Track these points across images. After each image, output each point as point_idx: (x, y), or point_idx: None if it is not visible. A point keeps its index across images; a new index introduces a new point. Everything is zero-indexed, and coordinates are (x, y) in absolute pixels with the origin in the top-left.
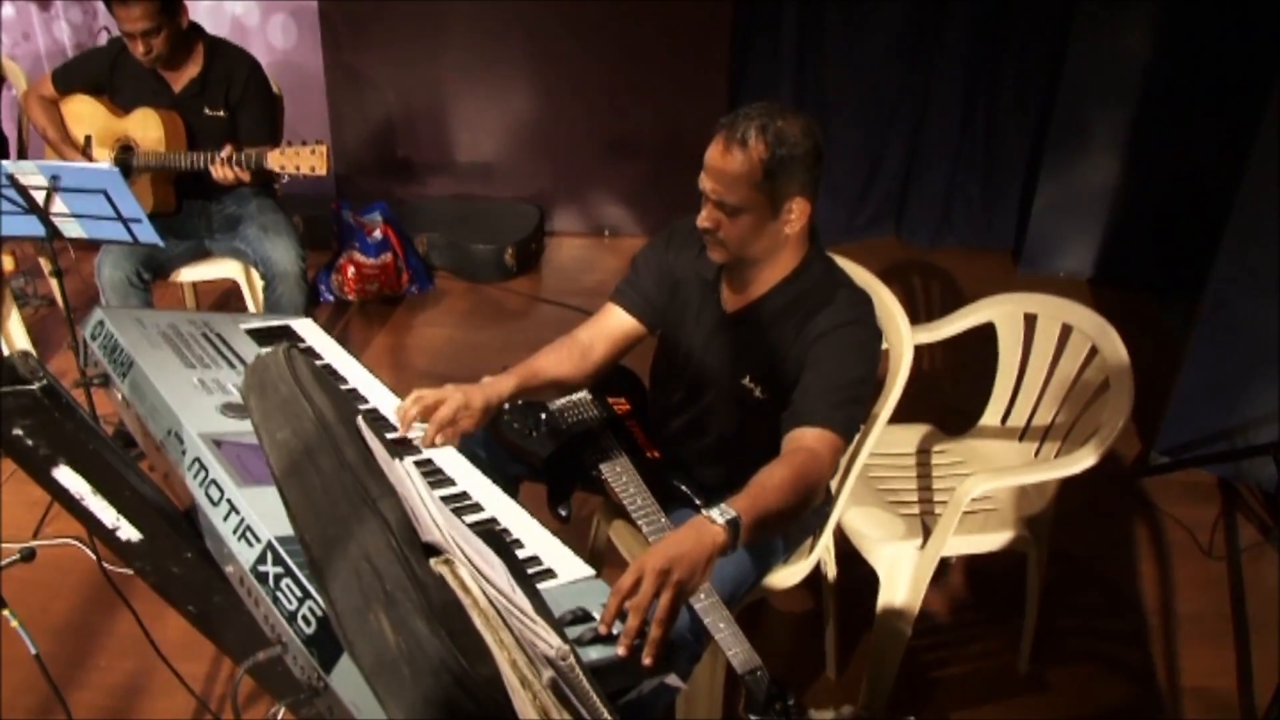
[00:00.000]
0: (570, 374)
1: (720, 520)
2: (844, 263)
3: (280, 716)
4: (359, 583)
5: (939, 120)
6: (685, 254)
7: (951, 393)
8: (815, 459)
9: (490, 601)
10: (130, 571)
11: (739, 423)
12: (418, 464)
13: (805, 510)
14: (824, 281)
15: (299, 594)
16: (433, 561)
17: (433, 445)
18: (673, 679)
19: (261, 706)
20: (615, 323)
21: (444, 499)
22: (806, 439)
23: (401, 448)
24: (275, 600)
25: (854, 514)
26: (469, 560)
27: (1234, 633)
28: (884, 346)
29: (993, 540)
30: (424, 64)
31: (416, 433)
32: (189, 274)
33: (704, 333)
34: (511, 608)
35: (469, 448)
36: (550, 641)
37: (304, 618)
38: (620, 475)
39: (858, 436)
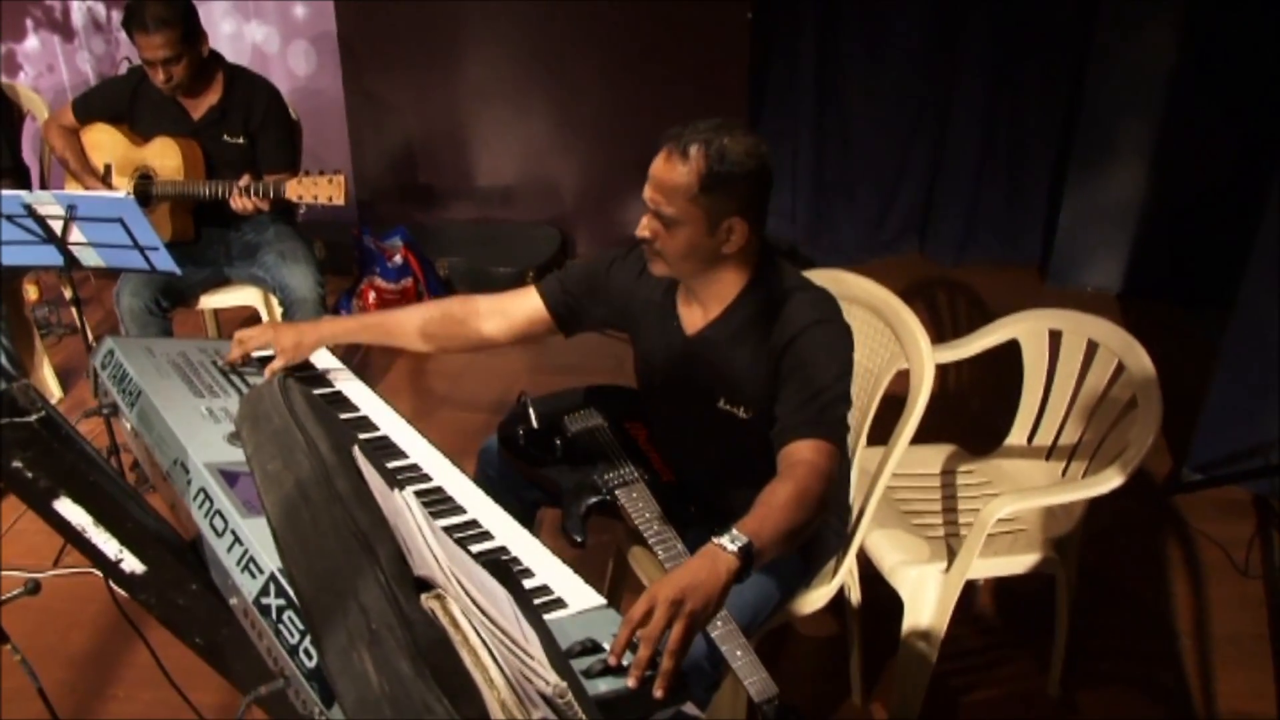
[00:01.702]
0: (438, 329)
1: (732, 547)
2: (864, 282)
3: None
4: (345, 620)
5: (961, 136)
6: (635, 283)
7: (976, 411)
8: (814, 470)
9: (482, 639)
10: None
11: (733, 447)
12: (427, 491)
13: (814, 523)
14: (778, 291)
15: (301, 627)
16: (423, 597)
17: (234, 362)
18: (690, 708)
19: None
20: (524, 303)
21: (452, 527)
22: (802, 452)
23: (413, 475)
24: (278, 633)
25: (877, 536)
26: (466, 593)
27: (1272, 654)
28: (902, 366)
29: (1020, 562)
30: (443, 89)
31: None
32: (208, 301)
33: (671, 361)
34: (507, 644)
35: (485, 473)
36: (547, 678)
37: (305, 651)
38: (636, 501)
39: (880, 458)
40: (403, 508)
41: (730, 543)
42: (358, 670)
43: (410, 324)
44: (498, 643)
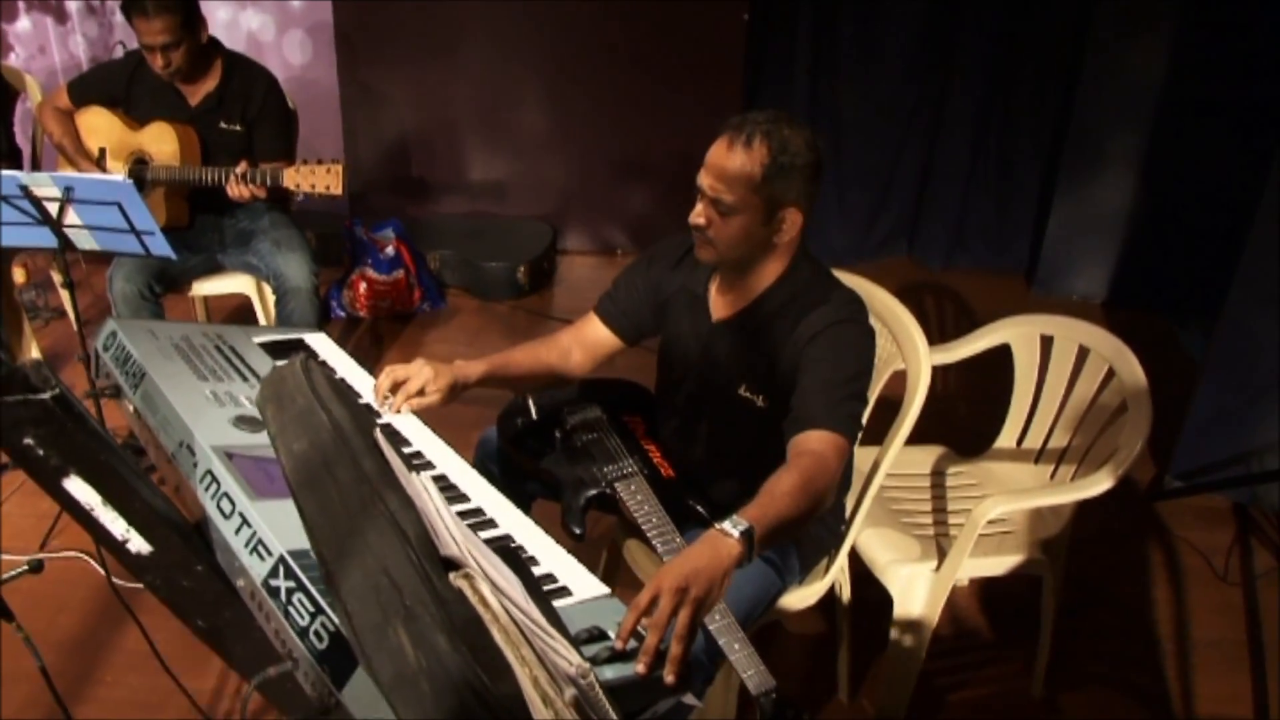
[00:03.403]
0: (543, 372)
1: (734, 532)
2: (862, 282)
3: None
4: (377, 596)
5: (952, 142)
6: (671, 272)
7: (967, 415)
8: (821, 462)
9: (511, 618)
10: (138, 586)
11: (746, 436)
12: (434, 479)
13: (816, 514)
14: (813, 284)
15: (311, 609)
16: (452, 576)
17: (398, 412)
18: (688, 698)
19: None
20: (592, 331)
21: (458, 515)
22: (810, 443)
23: (417, 462)
24: (287, 615)
25: (869, 535)
26: (487, 575)
27: (1249, 659)
28: (900, 367)
29: (1008, 563)
30: (438, 82)
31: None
32: (201, 288)
33: (697, 346)
34: (532, 624)
35: (484, 465)
36: (570, 659)
37: (316, 633)
38: (635, 494)
39: (874, 458)
40: (421, 490)
41: (732, 528)
42: (393, 646)
43: (523, 367)
44: (525, 622)
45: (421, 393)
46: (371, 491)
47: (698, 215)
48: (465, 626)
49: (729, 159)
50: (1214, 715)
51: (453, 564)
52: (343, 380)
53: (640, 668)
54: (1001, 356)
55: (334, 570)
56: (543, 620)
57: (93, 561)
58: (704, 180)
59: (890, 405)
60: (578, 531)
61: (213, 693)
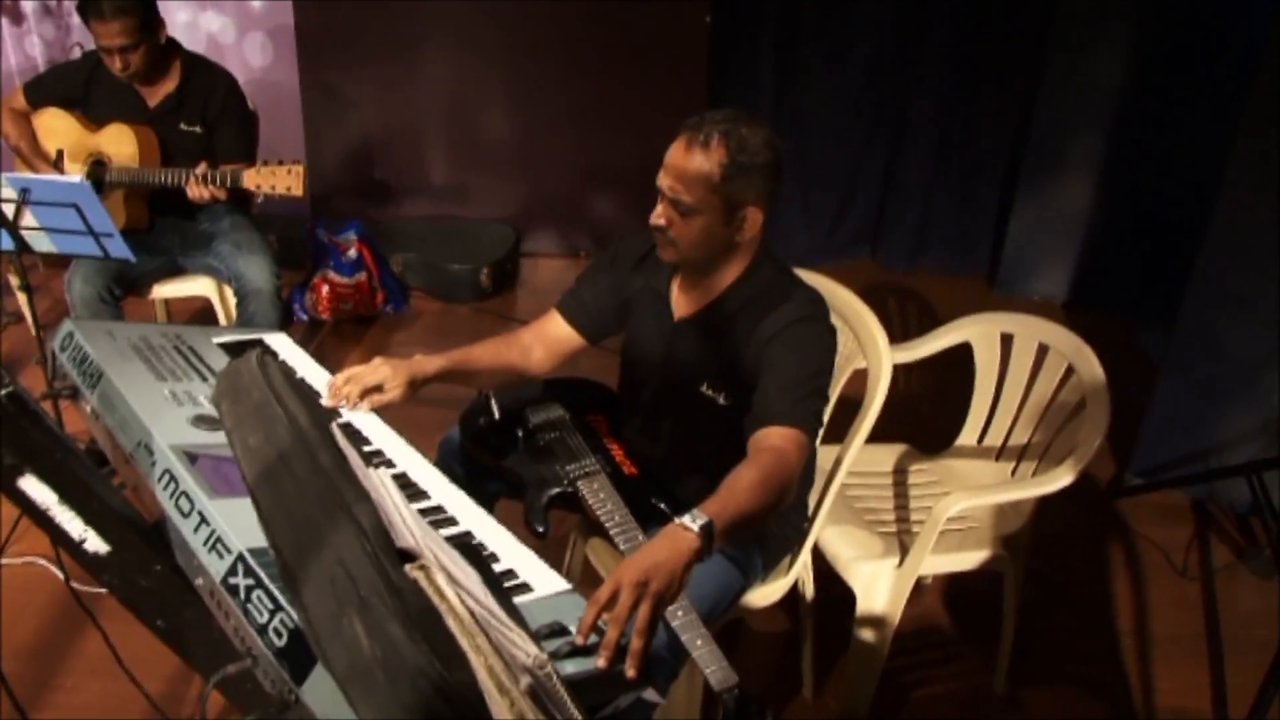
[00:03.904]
0: (504, 369)
1: (694, 526)
2: (824, 281)
3: None
4: (333, 588)
5: (915, 144)
6: (633, 271)
7: (928, 413)
8: (782, 457)
9: (467, 609)
10: (97, 590)
11: (709, 434)
12: (394, 476)
13: (777, 509)
14: (774, 283)
15: (270, 606)
16: (408, 567)
17: (354, 407)
18: (650, 694)
19: None
20: (555, 329)
21: (419, 512)
22: (771, 438)
23: (377, 460)
24: (246, 612)
25: (831, 533)
26: (444, 568)
27: (1208, 653)
28: (861, 365)
29: (970, 559)
30: (401, 84)
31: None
32: (161, 291)
33: (660, 345)
34: (489, 616)
35: (446, 464)
36: (527, 650)
37: (275, 630)
38: (598, 493)
39: (835, 456)
40: (378, 484)
41: (692, 521)
42: (348, 636)
43: (484, 362)
44: (481, 614)
45: (380, 389)
46: (328, 484)
47: (658, 216)
48: (420, 616)
49: (687, 160)
50: (1173, 707)
51: (409, 556)
52: (301, 379)
53: (601, 662)
54: (962, 355)
55: (290, 563)
56: (500, 612)
57: (50, 565)
58: (663, 181)
59: (852, 404)
60: (541, 530)
61: (173, 696)
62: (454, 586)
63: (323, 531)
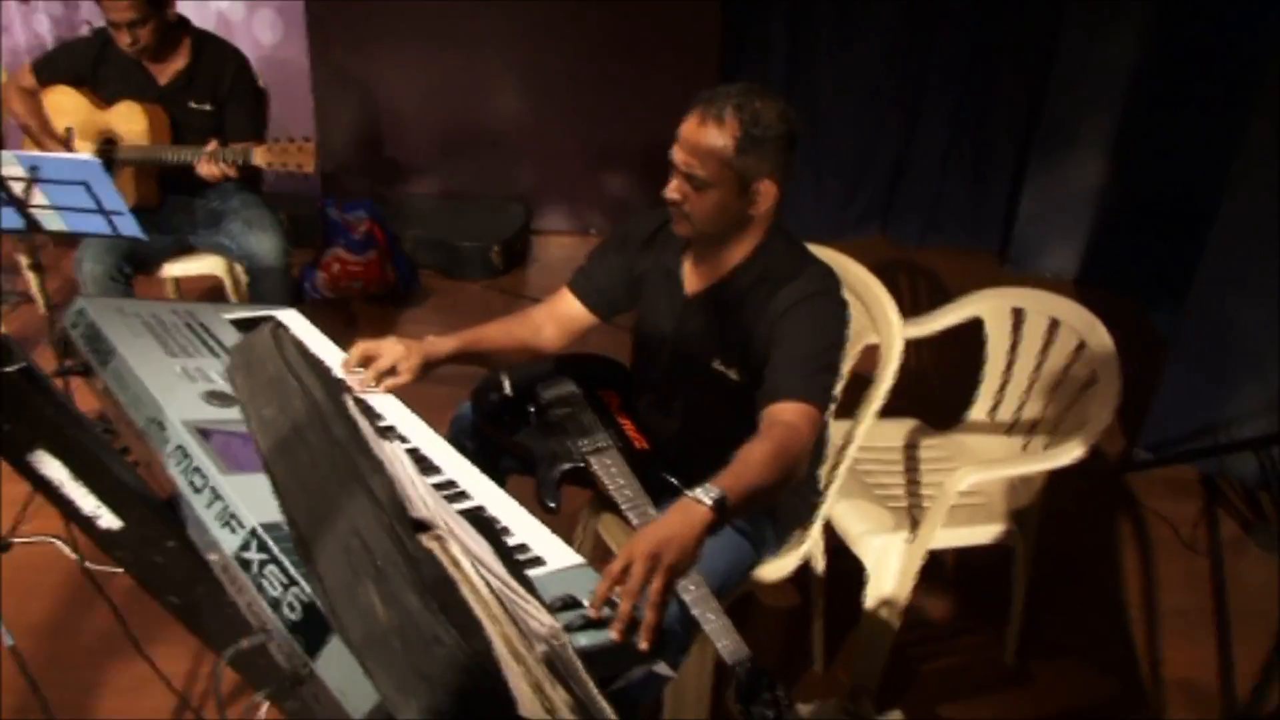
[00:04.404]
0: (516, 348)
1: (706, 499)
2: (835, 256)
3: (264, 713)
4: (348, 557)
5: (928, 122)
6: (645, 247)
7: (940, 389)
8: (794, 432)
9: (482, 578)
10: (109, 570)
11: (721, 410)
12: (407, 453)
13: (788, 484)
14: (787, 258)
15: (284, 580)
16: (423, 538)
17: (369, 389)
18: (662, 668)
19: (240, 706)
20: (566, 307)
21: (432, 487)
22: (783, 413)
23: (388, 435)
24: (259, 587)
25: (843, 507)
26: (458, 538)
27: (1215, 626)
28: (873, 341)
29: (981, 533)
30: (411, 61)
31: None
32: (171, 270)
33: (672, 321)
34: (503, 586)
35: (457, 440)
36: (542, 620)
37: (289, 604)
38: (610, 468)
39: (847, 431)
40: (392, 456)
41: (704, 495)
42: (364, 605)
43: (496, 341)
44: (496, 584)
45: (394, 371)
46: (342, 456)
47: (672, 190)
48: (436, 585)
49: (701, 133)
50: (1180, 680)
51: (424, 527)
52: (314, 353)
53: (614, 634)
54: (974, 331)
55: (305, 534)
56: (514, 583)
57: (63, 545)
58: (677, 155)
59: (863, 379)
60: (552, 505)
61: (186, 674)
62: (469, 557)
63: (338, 502)
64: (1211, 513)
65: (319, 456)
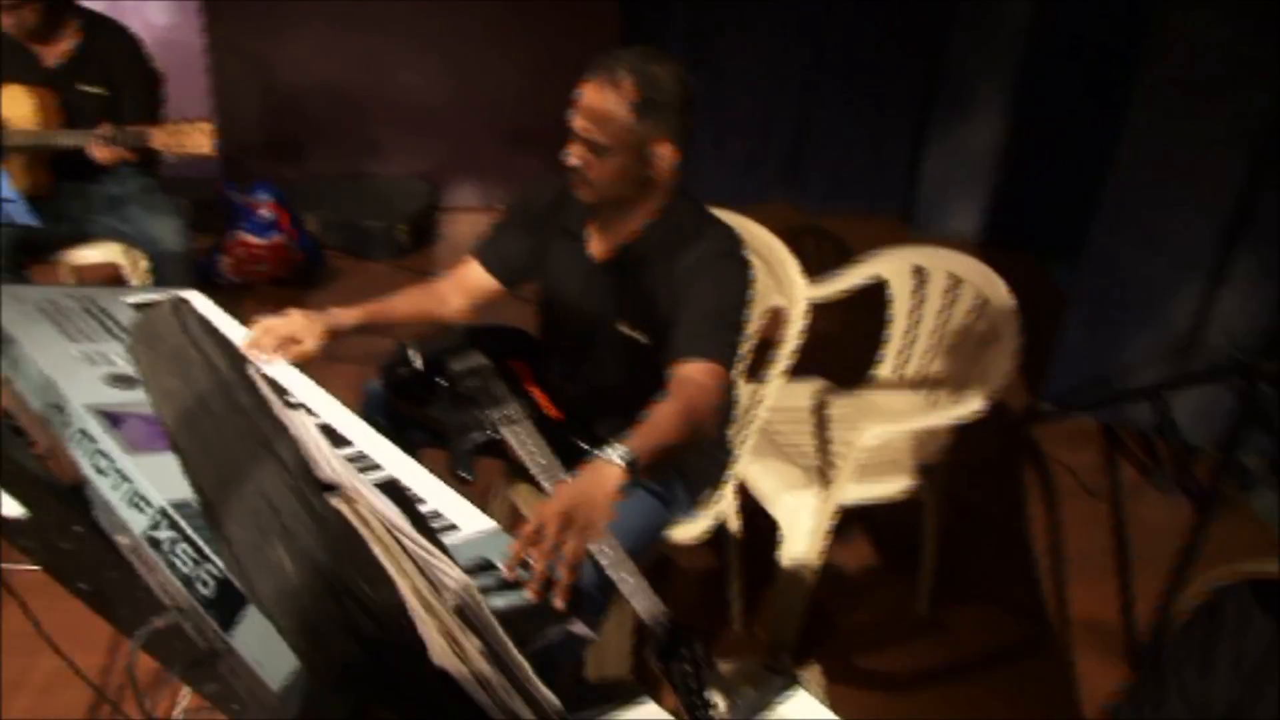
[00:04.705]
0: (422, 318)
1: (616, 458)
2: (738, 219)
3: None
4: (255, 519)
5: (829, 87)
6: (547, 214)
7: (846, 349)
8: (701, 390)
9: (392, 536)
10: (17, 568)
11: (630, 374)
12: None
13: (698, 441)
14: (690, 219)
15: (195, 557)
16: (329, 498)
17: (273, 360)
18: (580, 628)
19: (160, 703)
20: (471, 276)
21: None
22: (690, 371)
23: (296, 410)
24: (171, 566)
25: (755, 468)
26: (366, 499)
27: (1116, 566)
28: (778, 303)
29: (890, 487)
30: (311, 40)
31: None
32: (70, 258)
33: (578, 286)
34: (413, 544)
35: (369, 416)
36: (453, 574)
37: (201, 581)
38: (522, 437)
39: (755, 392)
40: (298, 422)
41: (615, 454)
42: (273, 564)
43: (401, 312)
44: (406, 542)
45: (296, 341)
46: (247, 422)
47: (573, 156)
48: (343, 540)
49: (599, 98)
50: (1086, 619)
51: (330, 488)
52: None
53: (529, 594)
54: (877, 292)
55: (212, 500)
56: (424, 541)
57: None
58: (576, 121)
59: (770, 342)
60: (466, 476)
61: (101, 668)
62: (377, 516)
63: (243, 468)
64: (1111, 459)
65: (223, 425)
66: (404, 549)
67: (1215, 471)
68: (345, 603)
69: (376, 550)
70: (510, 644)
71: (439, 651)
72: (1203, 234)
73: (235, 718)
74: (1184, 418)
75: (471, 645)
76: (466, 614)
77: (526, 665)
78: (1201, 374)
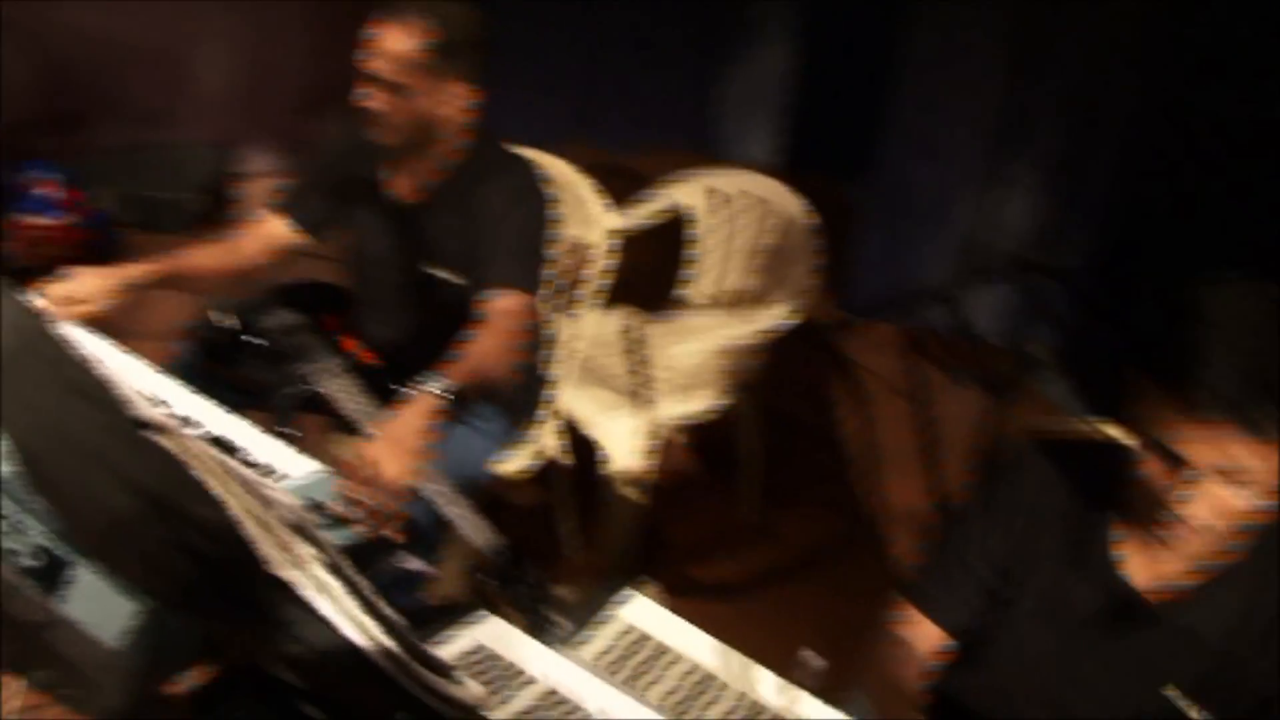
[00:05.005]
0: (220, 270)
1: (434, 389)
2: (538, 156)
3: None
4: (76, 460)
5: (616, 22)
6: (342, 162)
7: (657, 281)
8: (513, 319)
9: (216, 461)
10: None
11: (445, 314)
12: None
13: (513, 369)
14: (491, 156)
15: (10, 528)
16: (147, 434)
17: (67, 317)
18: (417, 563)
19: None
20: (268, 229)
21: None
22: (501, 302)
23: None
24: None
25: (575, 397)
26: (187, 434)
27: (923, 459)
28: (582, 236)
29: (706, 403)
30: (86, 5)
31: None
32: None
33: (385, 232)
34: (239, 471)
35: (188, 383)
36: (285, 500)
37: (20, 552)
38: (341, 387)
39: (568, 324)
40: (112, 370)
41: (432, 385)
42: (101, 501)
43: (198, 264)
44: (231, 468)
45: (82, 301)
46: (55, 371)
47: (369, 100)
48: (165, 468)
49: (394, 39)
50: (900, 508)
51: (147, 425)
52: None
53: (360, 528)
54: (679, 222)
55: (34, 451)
56: (250, 472)
57: None
58: (372, 63)
59: (575, 275)
60: (291, 433)
61: None
62: (198, 445)
63: (59, 417)
64: (913, 361)
65: (31, 377)
66: (228, 472)
67: (1008, 364)
68: (176, 524)
69: (202, 474)
70: (346, 561)
71: (277, 561)
72: (978, 143)
73: (70, 705)
74: (977, 317)
75: (308, 552)
76: (303, 530)
77: (365, 582)
78: (987, 272)
